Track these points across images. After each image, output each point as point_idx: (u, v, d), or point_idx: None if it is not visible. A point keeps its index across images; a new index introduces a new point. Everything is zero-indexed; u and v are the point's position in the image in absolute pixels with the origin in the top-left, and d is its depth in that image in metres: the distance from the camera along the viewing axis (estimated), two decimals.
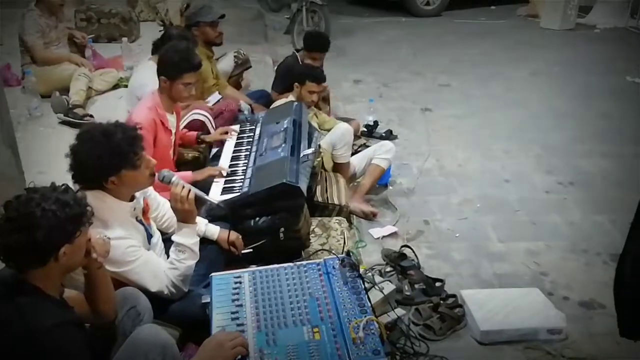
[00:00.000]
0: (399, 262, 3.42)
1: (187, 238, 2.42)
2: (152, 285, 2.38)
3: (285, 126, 3.50)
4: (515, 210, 4.15)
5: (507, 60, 7.37)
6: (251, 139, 3.63)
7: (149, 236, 2.53)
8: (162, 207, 2.78)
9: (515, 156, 4.96)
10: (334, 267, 2.26)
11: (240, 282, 2.22)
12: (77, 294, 2.12)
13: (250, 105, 4.66)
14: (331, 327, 2.00)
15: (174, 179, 2.41)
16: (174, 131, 3.40)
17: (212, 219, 3.00)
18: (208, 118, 3.89)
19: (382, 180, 4.43)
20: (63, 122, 3.91)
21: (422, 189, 4.43)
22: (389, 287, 2.92)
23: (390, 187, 4.45)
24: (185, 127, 3.85)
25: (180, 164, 3.62)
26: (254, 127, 3.79)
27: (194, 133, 3.79)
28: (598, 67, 7.18)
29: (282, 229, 3.02)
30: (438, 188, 4.47)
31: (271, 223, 3.02)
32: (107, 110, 4.15)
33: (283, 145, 3.29)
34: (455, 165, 4.80)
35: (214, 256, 2.85)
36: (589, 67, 7.19)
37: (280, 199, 2.98)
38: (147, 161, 2.34)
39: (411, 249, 3.51)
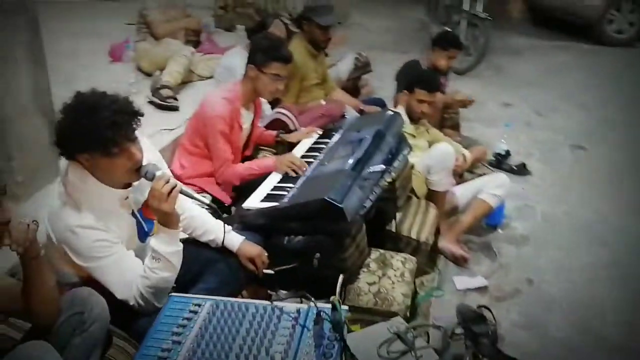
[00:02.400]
0: (472, 325, 2.68)
1: (163, 245, 1.99)
2: (118, 291, 1.99)
3: (363, 136, 2.96)
4: None
5: None
6: (324, 145, 3.13)
7: (144, 233, 2.14)
8: (181, 203, 2.39)
9: None
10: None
11: (196, 312, 1.74)
12: (16, 283, 1.79)
13: (360, 111, 4.14)
14: None
15: (158, 173, 1.98)
16: (245, 127, 3.05)
17: (244, 228, 2.57)
18: (291, 119, 3.47)
19: (493, 221, 3.67)
20: (150, 102, 3.74)
21: (540, 240, 3.57)
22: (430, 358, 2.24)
23: (500, 231, 3.66)
24: (266, 126, 3.47)
25: None
26: (335, 132, 3.29)
27: (273, 132, 3.40)
28: None
29: (318, 255, 2.48)
30: (561, 242, 3.57)
31: (305, 245, 2.50)
32: (199, 96, 3.89)
33: (349, 156, 2.75)
34: (592, 219, 3.82)
35: (230, 271, 2.40)
36: None
37: (319, 219, 2.44)
38: (130, 154, 1.92)
39: (490, 311, 2.74)
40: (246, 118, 3.06)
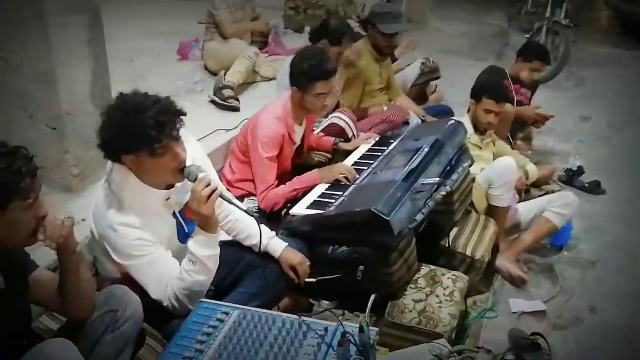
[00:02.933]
0: (524, 353, 2.52)
1: (201, 248, 1.97)
2: (153, 291, 1.99)
3: (420, 146, 2.85)
4: None
5: None
6: (380, 154, 3.03)
7: (185, 234, 2.14)
8: (226, 206, 2.38)
9: None
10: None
11: (222, 321, 1.70)
12: (54, 277, 1.81)
13: (422, 119, 4.02)
14: None
15: (201, 175, 1.97)
16: (298, 142, 3.02)
17: (289, 234, 2.52)
18: (349, 124, 3.39)
19: (558, 241, 3.46)
20: (212, 101, 3.77)
21: (608, 265, 3.32)
22: None
23: (566, 253, 3.44)
24: (322, 130, 3.42)
25: (306, 168, 3.18)
26: (393, 140, 3.19)
27: (330, 139, 3.33)
28: None
29: (362, 268, 2.40)
30: (631, 269, 3.29)
31: (348, 256, 2.42)
32: (261, 98, 3.90)
33: (404, 167, 2.65)
34: None
35: (271, 277, 2.36)
36: None
37: (365, 231, 2.36)
38: (175, 154, 1.92)
39: (545, 339, 2.56)
40: (299, 132, 3.02)
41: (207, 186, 1.92)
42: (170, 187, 2.07)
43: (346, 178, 2.79)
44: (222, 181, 2.98)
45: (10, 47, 2.37)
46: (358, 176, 2.80)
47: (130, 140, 1.86)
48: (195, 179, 1.95)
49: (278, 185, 2.83)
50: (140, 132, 1.84)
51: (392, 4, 4.92)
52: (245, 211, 2.11)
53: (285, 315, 1.73)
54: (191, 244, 1.98)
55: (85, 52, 2.42)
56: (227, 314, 1.72)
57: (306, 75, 2.79)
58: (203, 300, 1.83)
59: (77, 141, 2.46)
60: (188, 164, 2.01)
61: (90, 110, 2.50)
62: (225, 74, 3.91)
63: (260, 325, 1.66)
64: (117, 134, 1.88)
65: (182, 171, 1.97)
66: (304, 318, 1.69)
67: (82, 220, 2.25)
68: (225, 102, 3.65)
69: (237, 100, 3.72)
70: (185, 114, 1.95)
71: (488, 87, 3.44)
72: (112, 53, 4.54)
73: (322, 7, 5.53)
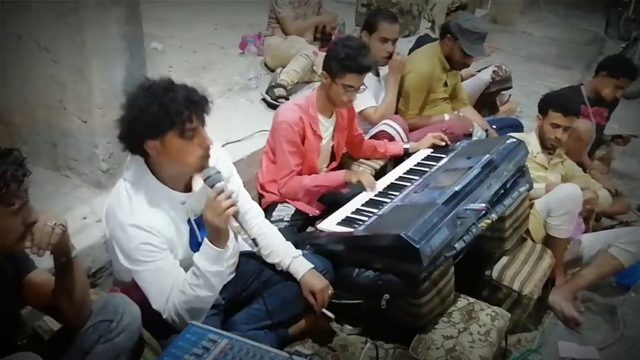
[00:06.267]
0: None
1: (206, 262, 1.86)
2: (153, 300, 1.91)
3: (471, 165, 2.61)
4: None
5: None
6: (428, 169, 2.81)
7: (197, 242, 2.03)
8: (250, 217, 2.26)
9: None
10: None
11: (208, 349, 1.57)
12: (49, 279, 1.75)
13: (486, 131, 3.73)
14: None
15: (219, 185, 1.85)
16: (326, 137, 2.84)
17: (315, 250, 2.37)
18: (399, 132, 3.19)
19: (625, 280, 3.13)
20: (263, 99, 3.66)
21: None
22: None
23: (633, 294, 3.09)
24: (371, 137, 3.24)
25: None
26: (444, 155, 2.95)
27: (400, 143, 3.16)
28: None
29: (387, 296, 2.21)
30: None
31: (373, 282, 2.23)
32: None
33: (448, 188, 2.42)
34: None
35: (290, 296, 2.24)
36: None
37: (391, 257, 2.16)
38: (203, 138, 1.84)
39: None
40: (326, 127, 2.84)
41: (227, 198, 1.81)
42: (188, 189, 1.97)
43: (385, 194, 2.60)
44: (257, 185, 2.89)
45: (49, 37, 2.35)
46: (374, 193, 2.62)
47: (161, 118, 1.78)
48: (213, 185, 1.85)
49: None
50: (172, 109, 1.77)
51: (481, 21, 4.56)
52: (253, 239, 1.98)
53: (274, 351, 1.59)
54: (197, 256, 1.88)
55: (121, 46, 2.35)
56: (214, 341, 1.60)
57: (340, 61, 2.63)
58: (192, 323, 1.71)
59: (108, 136, 2.41)
60: (211, 164, 1.92)
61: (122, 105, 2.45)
62: (280, 72, 3.79)
63: (247, 358, 1.53)
64: (145, 115, 1.79)
65: (206, 159, 1.88)
66: (294, 357, 1.53)
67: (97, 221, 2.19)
68: (275, 101, 3.53)
69: (288, 99, 3.58)
70: (212, 102, 1.89)
71: (554, 99, 3.14)
72: (180, 42, 4.64)
73: (395, 4, 5.28)
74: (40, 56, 2.39)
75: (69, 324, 1.78)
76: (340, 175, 2.75)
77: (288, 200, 2.73)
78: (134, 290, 1.94)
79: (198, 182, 1.97)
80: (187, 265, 1.96)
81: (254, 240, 1.99)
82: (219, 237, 1.86)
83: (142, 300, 1.89)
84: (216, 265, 1.88)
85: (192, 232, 2.02)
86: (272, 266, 2.26)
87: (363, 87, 2.74)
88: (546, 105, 3.12)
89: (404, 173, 2.84)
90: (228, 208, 1.82)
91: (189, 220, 2.01)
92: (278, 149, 2.70)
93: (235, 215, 1.87)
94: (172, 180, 1.93)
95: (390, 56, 3.38)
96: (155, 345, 1.93)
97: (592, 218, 3.29)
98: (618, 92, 3.86)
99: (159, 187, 1.91)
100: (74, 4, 2.24)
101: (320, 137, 2.77)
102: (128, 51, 2.40)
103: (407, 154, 3.12)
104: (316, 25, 4.32)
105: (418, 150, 3.09)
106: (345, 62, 2.61)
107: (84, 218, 2.38)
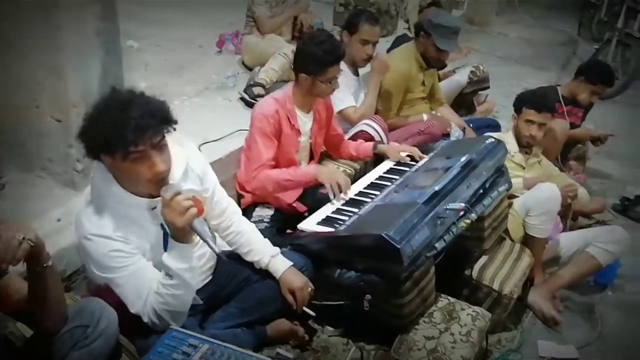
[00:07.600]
0: None
1: (175, 261, 1.81)
2: (131, 305, 1.85)
3: (450, 165, 2.61)
4: None
5: None
6: (407, 168, 2.80)
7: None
8: (230, 215, 2.22)
9: None
10: None
11: (189, 354, 1.54)
12: (22, 285, 1.69)
13: (464, 130, 3.75)
14: None
15: (174, 188, 1.79)
16: (305, 132, 2.82)
17: (296, 250, 2.34)
18: (378, 132, 3.17)
19: (602, 279, 3.16)
20: (241, 98, 3.62)
21: None
22: None
23: (610, 293, 3.12)
24: (350, 138, 3.22)
25: None
26: (424, 155, 2.94)
27: (370, 144, 3.09)
28: None
29: (368, 297, 2.19)
30: None
31: (355, 283, 2.21)
32: None
33: (428, 188, 2.42)
34: None
35: (267, 294, 2.21)
36: None
37: (373, 257, 2.15)
38: (152, 164, 1.74)
39: None
40: (304, 121, 2.82)
41: (187, 199, 1.76)
42: (155, 195, 1.91)
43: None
44: (236, 184, 2.85)
45: (20, 34, 2.28)
46: (345, 195, 2.57)
47: (107, 137, 1.69)
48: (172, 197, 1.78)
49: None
50: (118, 131, 1.68)
51: (451, 16, 4.59)
52: (215, 251, 1.88)
53: (256, 355, 1.56)
54: (165, 257, 1.83)
55: (96, 43, 2.30)
56: (195, 346, 1.56)
57: (319, 60, 2.63)
58: (172, 327, 1.67)
59: None
60: (176, 175, 1.87)
61: None
62: (259, 71, 3.76)
63: None
64: (96, 129, 1.71)
65: (158, 184, 1.79)
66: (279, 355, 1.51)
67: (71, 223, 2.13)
68: (253, 100, 3.49)
69: None
70: (175, 122, 1.79)
71: (528, 96, 3.16)
72: (158, 41, 4.56)
73: (373, 4, 5.28)
74: (11, 53, 2.32)
75: (43, 330, 1.72)
76: (310, 169, 2.71)
77: (269, 201, 2.69)
78: (109, 294, 1.89)
79: None
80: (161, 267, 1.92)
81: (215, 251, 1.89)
82: (180, 234, 1.80)
83: (118, 304, 1.85)
84: (185, 262, 1.82)
85: (165, 234, 1.97)
86: (251, 265, 2.23)
87: (340, 70, 2.74)
88: (520, 103, 3.14)
89: (384, 172, 2.83)
90: (189, 208, 1.77)
91: (162, 225, 1.96)
92: (251, 140, 2.67)
93: (192, 227, 1.81)
94: (132, 189, 1.85)
95: (369, 58, 3.37)
96: (133, 350, 1.88)
97: (569, 217, 3.33)
98: (594, 97, 3.91)
99: (124, 195, 1.83)
100: (48, 0, 2.17)
101: (298, 131, 2.75)
102: (104, 49, 2.34)
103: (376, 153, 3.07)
104: (294, 23, 4.29)
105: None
106: (324, 58, 2.62)
107: (59, 220, 2.32)
